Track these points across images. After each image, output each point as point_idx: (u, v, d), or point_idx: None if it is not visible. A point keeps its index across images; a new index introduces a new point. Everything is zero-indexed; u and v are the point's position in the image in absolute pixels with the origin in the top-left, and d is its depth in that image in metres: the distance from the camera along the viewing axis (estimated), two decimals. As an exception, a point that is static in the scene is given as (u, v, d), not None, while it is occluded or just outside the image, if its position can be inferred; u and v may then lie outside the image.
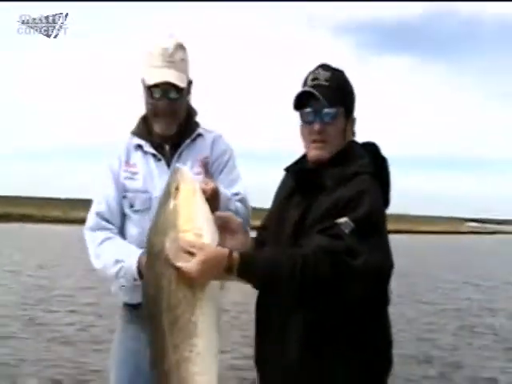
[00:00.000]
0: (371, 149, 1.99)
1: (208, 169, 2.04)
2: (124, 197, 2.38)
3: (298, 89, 1.96)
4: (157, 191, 2.30)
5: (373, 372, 1.89)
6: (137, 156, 2.42)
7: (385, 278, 1.82)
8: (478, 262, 24.24)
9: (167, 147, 2.39)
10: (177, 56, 2.31)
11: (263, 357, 1.97)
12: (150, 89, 2.31)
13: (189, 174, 1.92)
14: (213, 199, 1.94)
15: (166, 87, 2.28)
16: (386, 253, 1.81)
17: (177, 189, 1.85)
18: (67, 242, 21.76)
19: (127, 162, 2.41)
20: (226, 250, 1.77)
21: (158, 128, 2.36)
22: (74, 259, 15.43)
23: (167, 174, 2.26)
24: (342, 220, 1.73)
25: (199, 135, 2.42)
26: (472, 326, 9.94)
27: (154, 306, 1.80)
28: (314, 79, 1.95)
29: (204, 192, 1.89)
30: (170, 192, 1.86)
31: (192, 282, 1.76)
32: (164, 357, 1.77)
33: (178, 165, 1.99)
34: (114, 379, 2.41)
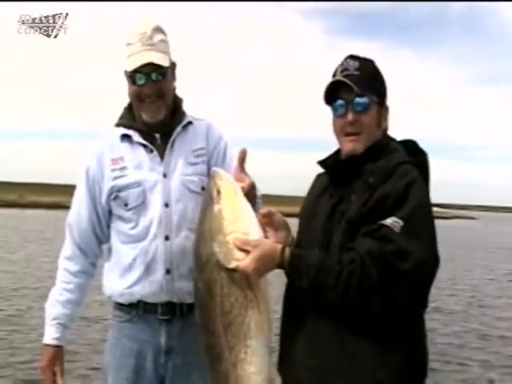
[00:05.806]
0: (409, 144, 1.91)
1: (243, 163, 1.96)
2: (116, 197, 2.25)
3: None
4: (148, 184, 2.22)
5: (410, 376, 1.79)
6: (123, 147, 2.28)
7: (432, 275, 1.78)
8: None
9: (158, 136, 2.27)
10: (156, 38, 2.19)
11: (291, 357, 1.86)
12: (131, 76, 2.21)
13: (227, 176, 1.93)
14: (251, 194, 1.94)
15: (148, 70, 2.17)
16: (433, 244, 1.76)
17: (218, 193, 1.87)
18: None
19: (113, 159, 2.26)
20: (278, 246, 1.77)
21: (146, 115, 2.23)
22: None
23: (161, 167, 2.24)
24: (390, 220, 1.68)
25: (189, 123, 2.33)
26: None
27: (207, 311, 1.84)
28: (343, 70, 1.87)
29: (242, 189, 1.90)
30: (212, 197, 1.88)
31: (245, 282, 1.78)
32: (221, 359, 1.81)
33: (214, 168, 1.99)
34: (112, 381, 2.31)
